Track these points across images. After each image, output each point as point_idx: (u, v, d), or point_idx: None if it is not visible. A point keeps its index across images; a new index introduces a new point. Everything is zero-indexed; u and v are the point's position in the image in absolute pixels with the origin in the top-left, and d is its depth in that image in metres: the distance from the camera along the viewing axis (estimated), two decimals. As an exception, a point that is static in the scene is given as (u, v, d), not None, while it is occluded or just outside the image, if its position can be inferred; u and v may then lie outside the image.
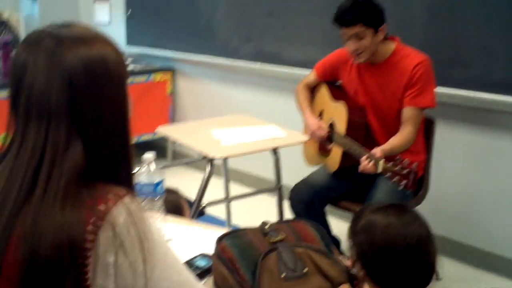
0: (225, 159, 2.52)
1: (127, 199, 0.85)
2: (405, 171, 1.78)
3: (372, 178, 2.10)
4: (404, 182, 1.79)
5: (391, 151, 2.03)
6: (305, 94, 2.49)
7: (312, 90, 2.53)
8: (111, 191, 0.85)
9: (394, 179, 1.80)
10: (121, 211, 0.83)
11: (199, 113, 3.83)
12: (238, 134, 2.38)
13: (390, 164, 1.84)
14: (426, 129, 2.37)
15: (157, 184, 1.32)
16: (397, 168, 1.80)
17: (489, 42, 2.42)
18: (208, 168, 2.22)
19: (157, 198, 1.33)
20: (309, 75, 2.53)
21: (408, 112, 2.15)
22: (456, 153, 2.68)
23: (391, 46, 2.20)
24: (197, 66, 3.86)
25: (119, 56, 0.89)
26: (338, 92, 2.41)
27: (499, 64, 2.41)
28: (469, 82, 2.50)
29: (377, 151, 1.96)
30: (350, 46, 2.12)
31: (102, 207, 0.82)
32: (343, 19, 2.10)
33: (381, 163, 1.87)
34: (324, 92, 2.46)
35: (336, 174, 2.31)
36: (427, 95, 2.14)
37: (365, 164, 1.93)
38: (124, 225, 0.82)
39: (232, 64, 3.56)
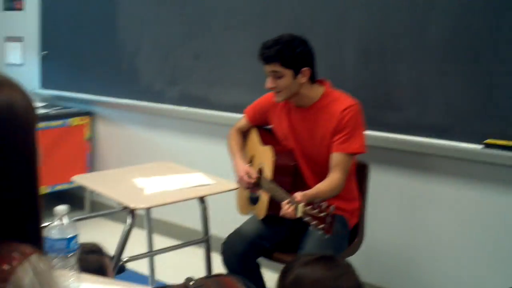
0: (148, 210, 2.50)
1: (34, 258, 0.82)
2: (322, 214, 1.80)
3: (305, 226, 2.05)
4: (321, 226, 1.80)
5: (316, 196, 2.04)
6: (237, 139, 2.50)
7: (245, 134, 2.55)
8: (17, 249, 0.82)
9: (313, 223, 1.81)
10: (27, 271, 0.80)
11: (121, 161, 3.77)
12: (163, 183, 2.36)
13: (308, 208, 1.85)
14: (360, 174, 2.38)
15: (71, 239, 1.26)
16: (314, 211, 1.82)
17: (421, 85, 2.48)
18: (128, 220, 2.17)
19: (71, 255, 1.26)
20: (241, 119, 2.55)
21: (336, 157, 2.16)
22: (392, 198, 2.70)
23: (320, 90, 2.23)
24: (118, 110, 3.82)
25: (27, 102, 0.88)
26: (268, 136, 2.43)
27: (432, 108, 2.46)
28: (402, 126, 2.54)
29: (299, 195, 1.97)
30: (268, 83, 2.16)
31: (5, 267, 0.79)
32: (262, 55, 2.14)
33: (300, 207, 1.89)
34: (254, 137, 2.48)
35: (268, 222, 2.30)
36: (356, 141, 2.16)
37: (286, 208, 1.95)
38: (30, 286, 0.79)
39: (156, 108, 3.55)
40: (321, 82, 2.25)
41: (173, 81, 3.48)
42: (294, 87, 2.17)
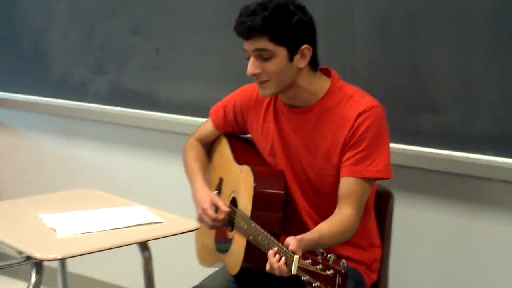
0: (62, 261, 2.47)
1: None
2: (328, 272, 1.75)
3: (296, 284, 1.98)
4: None
5: (318, 242, 2.01)
6: (197, 154, 2.56)
7: (210, 146, 2.58)
8: None
9: (314, 285, 1.77)
10: None
11: (23, 187, 3.81)
12: (85, 221, 2.37)
13: (307, 262, 1.81)
14: (381, 208, 2.40)
15: None
16: (317, 267, 1.78)
17: (468, 77, 2.50)
18: (33, 276, 2.15)
19: None
20: (203, 125, 2.59)
21: (348, 184, 2.17)
22: (428, 242, 2.72)
23: (325, 82, 2.26)
24: (18, 111, 3.84)
25: None
26: (244, 151, 2.47)
27: (483, 110, 2.48)
28: (441, 137, 2.58)
29: (292, 241, 1.92)
30: (249, 68, 2.18)
31: None
32: (241, 25, 2.15)
33: (296, 259, 1.85)
34: (224, 151, 2.50)
35: (244, 280, 2.29)
36: (378, 160, 2.17)
37: (273, 261, 1.92)
38: None
39: (75, 108, 3.58)
40: (325, 72, 2.28)
41: (100, 69, 3.50)
42: (289, 75, 2.18)
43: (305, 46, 2.18)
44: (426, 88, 2.60)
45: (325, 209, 2.23)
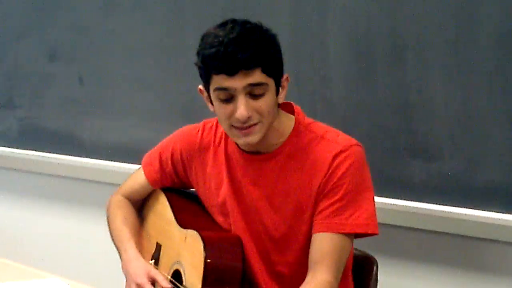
0: None
1: None
2: None
3: None
4: None
5: None
6: (125, 215, 2.50)
7: (142, 204, 2.55)
8: None
9: None
10: None
11: None
12: None
13: None
14: (361, 278, 2.37)
15: None
16: None
17: (472, 110, 2.45)
18: None
19: None
20: (132, 177, 2.54)
21: (321, 243, 2.14)
22: None
23: (288, 121, 2.26)
24: None
25: None
26: (190, 209, 2.43)
27: (493, 155, 2.43)
28: (438, 188, 2.54)
29: None
30: (241, 111, 2.10)
31: None
32: (231, 58, 2.07)
33: None
34: (163, 210, 2.44)
35: None
36: (360, 211, 2.14)
37: None
38: None
39: None
40: (287, 108, 2.28)
41: (8, 103, 3.56)
42: (275, 113, 2.20)
43: (285, 75, 2.20)
44: (417, 128, 2.55)
45: (293, 280, 2.19)
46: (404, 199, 2.61)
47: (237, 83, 2.10)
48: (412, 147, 2.58)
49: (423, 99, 2.55)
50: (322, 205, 2.14)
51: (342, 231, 2.12)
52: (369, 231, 2.15)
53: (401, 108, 2.59)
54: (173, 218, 2.38)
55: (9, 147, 3.53)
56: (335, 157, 2.14)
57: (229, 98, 2.12)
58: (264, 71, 2.09)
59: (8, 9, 3.51)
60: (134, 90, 3.25)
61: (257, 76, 2.09)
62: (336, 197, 2.13)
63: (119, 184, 2.61)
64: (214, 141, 2.33)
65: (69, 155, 3.39)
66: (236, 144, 2.27)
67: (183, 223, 2.35)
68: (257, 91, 2.10)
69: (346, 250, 2.16)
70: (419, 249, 2.67)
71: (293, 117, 2.25)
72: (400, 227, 2.63)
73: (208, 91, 2.17)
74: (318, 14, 2.74)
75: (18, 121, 3.53)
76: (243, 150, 2.25)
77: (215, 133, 2.33)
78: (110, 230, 2.52)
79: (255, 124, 2.13)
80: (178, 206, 2.43)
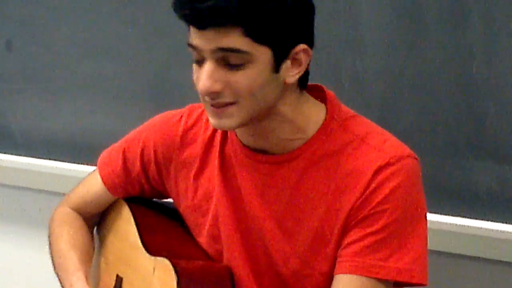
0: None
1: None
2: None
3: None
4: None
5: None
6: (73, 235, 2.50)
7: (99, 220, 2.56)
8: None
9: None
10: None
11: None
12: None
13: None
14: None
15: None
16: None
17: None
18: None
19: None
20: (85, 182, 2.55)
21: (349, 286, 2.12)
22: None
23: (316, 112, 2.22)
24: None
25: None
26: (162, 229, 2.46)
27: None
28: None
29: None
30: (203, 81, 2.08)
31: None
32: (196, 3, 2.02)
33: None
34: (126, 230, 2.45)
35: None
36: (403, 252, 2.12)
37: None
38: None
39: None
40: (316, 93, 2.25)
41: None
42: (269, 94, 2.11)
43: (301, 46, 2.10)
44: (484, 116, 2.57)
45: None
46: (465, 217, 2.61)
47: (205, 42, 2.07)
48: (477, 144, 2.57)
49: (492, 76, 2.54)
50: (353, 236, 2.11)
51: (376, 276, 2.10)
52: (414, 281, 2.12)
53: (461, 88, 2.58)
54: (139, 240, 2.35)
55: None
56: (378, 171, 2.10)
57: (201, 59, 2.11)
58: (248, 34, 2.03)
59: None
60: (85, 59, 3.24)
61: (234, 39, 2.03)
62: (373, 228, 2.10)
63: (65, 193, 2.59)
64: (203, 134, 2.31)
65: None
66: (237, 137, 2.25)
67: (153, 248, 2.33)
68: (233, 59, 2.05)
69: None
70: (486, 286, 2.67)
71: (323, 106, 2.22)
72: (459, 256, 2.63)
73: None
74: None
75: None
76: (249, 147, 2.24)
77: (207, 122, 2.31)
78: (51, 255, 2.49)
79: (228, 104, 2.10)
80: (146, 224, 2.41)
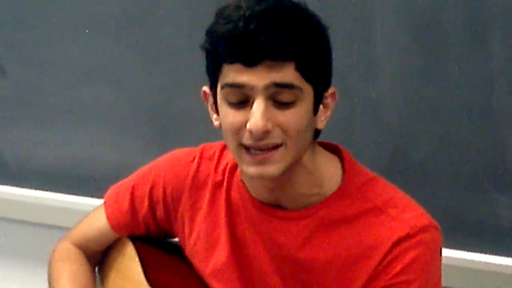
0: None
1: None
2: None
3: None
4: None
5: None
6: (75, 273, 2.49)
7: (101, 258, 2.56)
8: None
9: None
10: None
11: None
12: None
13: None
14: None
15: None
16: None
17: None
18: None
19: None
20: (89, 218, 2.54)
21: None
22: None
23: (333, 169, 2.23)
24: None
25: None
26: (169, 269, 2.47)
27: None
28: None
29: None
30: (256, 121, 2.02)
31: None
32: (251, 40, 1.99)
33: None
34: (129, 269, 2.46)
35: None
36: None
37: None
38: None
39: None
40: (331, 149, 2.27)
41: None
42: (307, 139, 2.11)
43: (331, 89, 2.13)
44: (507, 144, 2.55)
45: None
46: (486, 253, 2.59)
47: (257, 78, 2.01)
48: (499, 175, 2.55)
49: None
50: None
51: None
52: None
53: (482, 116, 2.56)
54: (144, 279, 2.36)
55: None
56: (396, 243, 2.09)
57: (242, 101, 2.04)
58: (299, 69, 2.00)
59: None
60: (82, 85, 3.23)
61: (289, 74, 2.00)
62: None
63: (67, 228, 2.57)
64: (213, 177, 2.30)
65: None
66: (245, 187, 2.24)
67: (158, 285, 2.34)
68: (285, 96, 2.01)
69: None
70: None
71: (337, 161, 2.22)
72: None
73: (214, 92, 2.12)
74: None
75: None
76: (258, 200, 2.23)
77: (217, 165, 2.31)
78: None
79: (275, 147, 2.04)
80: (151, 261, 2.41)
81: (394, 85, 2.72)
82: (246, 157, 2.08)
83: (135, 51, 2.84)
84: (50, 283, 2.50)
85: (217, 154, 2.32)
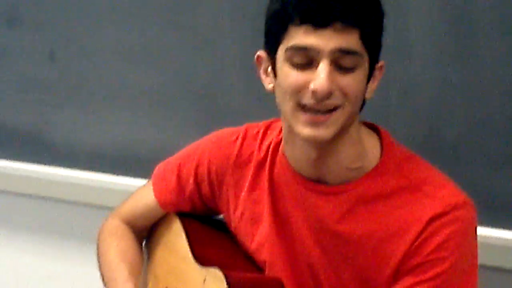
0: None
1: None
2: None
3: None
4: None
5: None
6: (122, 247, 2.52)
7: (148, 233, 2.58)
8: None
9: None
10: None
11: None
12: None
13: None
14: None
15: None
16: None
17: None
18: None
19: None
20: (136, 195, 2.57)
21: None
22: None
23: (373, 144, 2.24)
24: None
25: None
26: (214, 244, 2.46)
27: None
28: None
29: None
30: (322, 82, 2.03)
31: None
32: (328, 1, 2.00)
33: None
34: (176, 243, 2.46)
35: None
36: None
37: None
38: None
39: None
40: (369, 126, 2.29)
41: None
42: (359, 106, 2.14)
43: (381, 62, 2.15)
44: None
45: None
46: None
47: (324, 42, 2.02)
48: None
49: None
50: (405, 283, 2.11)
51: None
52: None
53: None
54: (189, 253, 2.36)
55: None
56: (431, 220, 2.09)
57: (307, 63, 2.05)
58: (362, 37, 2.03)
59: None
60: (129, 69, 3.23)
61: (353, 41, 2.02)
62: (425, 276, 2.08)
63: (113, 208, 2.61)
64: (257, 156, 2.32)
65: (34, 163, 3.42)
66: (288, 163, 2.24)
67: (203, 260, 2.33)
68: (348, 62, 2.03)
69: None
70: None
71: (376, 138, 2.24)
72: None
73: (273, 56, 2.11)
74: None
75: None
76: (301, 175, 2.24)
77: (260, 144, 2.33)
78: (100, 267, 2.51)
79: (334, 109, 2.06)
80: (197, 237, 2.42)
81: (427, 68, 2.70)
82: (303, 117, 2.08)
83: (180, 34, 2.81)
84: (99, 258, 2.54)
85: (260, 133, 2.33)
